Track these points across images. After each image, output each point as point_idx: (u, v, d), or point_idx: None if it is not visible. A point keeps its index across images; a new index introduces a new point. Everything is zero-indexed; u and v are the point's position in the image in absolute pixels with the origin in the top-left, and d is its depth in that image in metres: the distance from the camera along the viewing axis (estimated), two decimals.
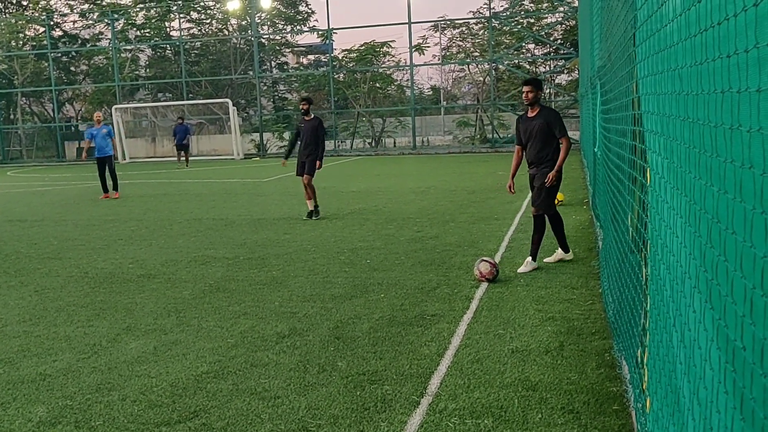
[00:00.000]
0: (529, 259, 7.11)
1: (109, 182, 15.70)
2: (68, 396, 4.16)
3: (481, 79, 35.86)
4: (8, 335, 5.44)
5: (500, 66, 33.57)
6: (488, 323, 5.29)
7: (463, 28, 35.71)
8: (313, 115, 11.12)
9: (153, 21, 37.44)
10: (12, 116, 39.20)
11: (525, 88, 7.06)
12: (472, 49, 35.84)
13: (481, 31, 34.52)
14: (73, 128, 39.93)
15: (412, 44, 31.64)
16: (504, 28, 33.62)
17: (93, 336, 5.34)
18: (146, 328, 5.48)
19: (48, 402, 4.08)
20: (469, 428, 3.55)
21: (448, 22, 35.21)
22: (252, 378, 4.34)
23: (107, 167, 15.69)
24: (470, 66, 36.28)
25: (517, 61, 34.75)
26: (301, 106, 11.27)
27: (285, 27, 41.48)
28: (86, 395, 4.16)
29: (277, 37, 40.75)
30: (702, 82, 1.66)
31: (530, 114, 7.12)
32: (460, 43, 36.36)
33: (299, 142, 11.20)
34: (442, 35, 36.67)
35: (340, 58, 35.90)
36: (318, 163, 11.04)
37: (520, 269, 7.02)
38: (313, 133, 10.94)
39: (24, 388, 4.31)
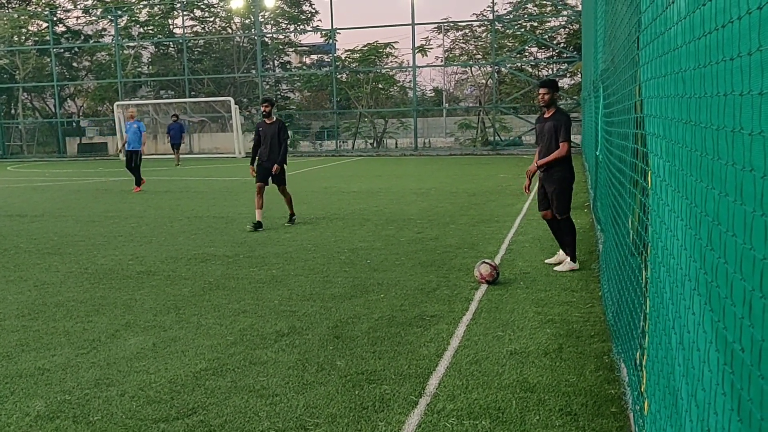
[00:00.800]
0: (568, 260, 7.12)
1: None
2: (66, 391, 4.16)
3: (484, 81, 35.90)
4: (7, 329, 5.44)
5: (503, 69, 33.61)
6: (487, 325, 5.29)
7: (467, 31, 35.80)
8: (275, 118, 10.61)
9: (156, 18, 37.51)
10: (13, 111, 39.24)
11: (541, 90, 7.09)
12: (474, 51, 35.91)
13: (484, 34, 34.57)
14: (74, 124, 39.98)
15: (415, 46, 31.67)
16: (507, 31, 33.66)
17: (92, 331, 5.34)
18: (145, 325, 5.49)
19: (46, 396, 4.08)
20: (466, 429, 3.55)
21: (452, 24, 35.28)
22: (250, 376, 4.34)
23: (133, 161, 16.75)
24: (473, 68, 36.32)
25: (519, 64, 34.79)
26: (262, 108, 10.60)
27: (288, 26, 41.53)
28: (84, 390, 4.16)
29: (281, 37, 40.78)
30: (705, 85, 1.67)
31: (546, 115, 7.18)
32: (463, 46, 36.44)
33: (262, 146, 10.59)
34: (445, 37, 36.77)
35: (343, 58, 35.95)
36: (277, 167, 10.43)
37: (559, 267, 7.04)
38: (276, 137, 10.44)
39: (22, 383, 4.31)
